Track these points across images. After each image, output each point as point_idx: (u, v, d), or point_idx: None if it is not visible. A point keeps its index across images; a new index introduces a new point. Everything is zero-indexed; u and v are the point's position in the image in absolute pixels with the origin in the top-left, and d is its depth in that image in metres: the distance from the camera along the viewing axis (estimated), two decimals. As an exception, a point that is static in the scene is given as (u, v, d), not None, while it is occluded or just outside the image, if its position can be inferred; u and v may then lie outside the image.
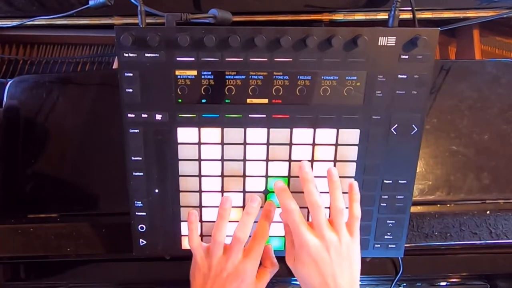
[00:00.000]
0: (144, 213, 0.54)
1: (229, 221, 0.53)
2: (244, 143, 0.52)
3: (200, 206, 0.54)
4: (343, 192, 0.51)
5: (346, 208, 0.51)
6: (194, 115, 0.51)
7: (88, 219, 0.59)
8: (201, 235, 0.56)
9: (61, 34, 0.71)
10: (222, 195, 0.54)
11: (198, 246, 0.53)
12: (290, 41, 0.47)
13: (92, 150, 0.59)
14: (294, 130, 0.51)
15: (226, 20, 0.52)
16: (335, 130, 0.52)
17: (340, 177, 0.53)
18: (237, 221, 0.53)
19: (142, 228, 0.55)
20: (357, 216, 0.50)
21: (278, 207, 0.53)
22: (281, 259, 0.55)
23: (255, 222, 0.52)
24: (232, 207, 0.54)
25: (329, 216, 0.51)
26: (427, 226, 0.59)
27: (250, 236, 0.52)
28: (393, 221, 0.55)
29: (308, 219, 0.54)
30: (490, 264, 0.63)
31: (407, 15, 0.59)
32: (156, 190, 0.53)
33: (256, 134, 0.52)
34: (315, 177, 0.53)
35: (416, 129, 0.51)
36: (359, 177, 0.53)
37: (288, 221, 0.51)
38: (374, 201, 0.54)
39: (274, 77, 0.49)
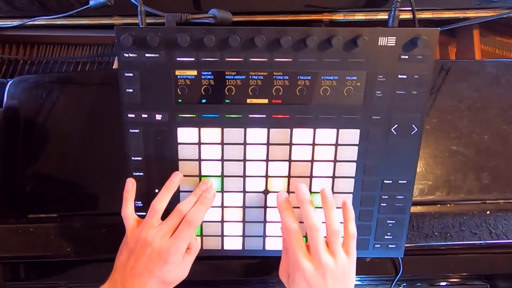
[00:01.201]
0: (144, 213, 0.54)
1: (230, 221, 0.53)
2: (244, 143, 0.52)
3: (200, 206, 0.54)
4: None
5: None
6: (194, 115, 0.51)
7: (88, 219, 0.59)
8: (201, 235, 0.56)
9: (61, 34, 0.71)
10: (222, 195, 0.54)
11: (131, 216, 0.50)
12: (290, 41, 0.47)
13: (92, 150, 0.59)
14: (294, 130, 0.51)
15: (226, 20, 0.52)
16: (335, 130, 0.51)
17: (340, 177, 0.53)
18: (238, 221, 0.54)
19: (142, 228, 0.55)
20: (353, 234, 0.49)
21: (218, 192, 0.53)
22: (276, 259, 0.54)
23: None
24: (232, 207, 0.54)
25: (326, 237, 0.49)
26: (427, 226, 0.59)
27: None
28: (393, 221, 0.55)
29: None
30: (490, 264, 0.62)
31: (407, 15, 0.59)
32: (156, 190, 0.53)
33: (256, 134, 0.52)
34: (314, 177, 0.53)
35: (416, 129, 0.51)
36: (359, 177, 0.53)
37: (287, 240, 0.50)
38: (374, 201, 0.54)
39: (274, 77, 0.49)
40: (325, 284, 0.47)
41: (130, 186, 0.51)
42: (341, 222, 0.50)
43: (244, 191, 0.54)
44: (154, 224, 0.49)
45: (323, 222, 0.49)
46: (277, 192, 0.53)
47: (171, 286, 0.50)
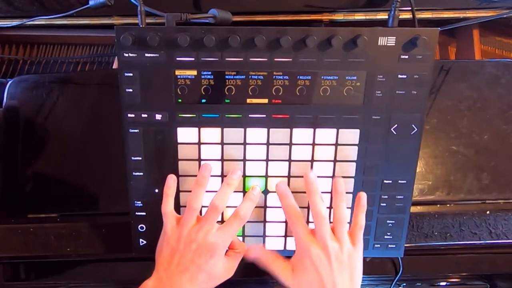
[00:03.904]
0: (144, 213, 0.54)
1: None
2: (244, 143, 0.52)
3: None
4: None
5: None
6: (194, 115, 0.51)
7: (88, 219, 0.59)
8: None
9: (61, 34, 0.71)
10: (222, 195, 0.54)
11: (171, 213, 0.50)
12: (290, 41, 0.47)
13: (92, 150, 0.59)
14: (294, 130, 0.51)
15: (226, 20, 0.52)
16: (335, 130, 0.52)
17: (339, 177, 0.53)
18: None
19: (142, 228, 0.55)
20: (361, 225, 0.51)
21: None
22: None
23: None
24: (232, 207, 0.54)
25: (331, 225, 0.51)
26: (427, 226, 0.59)
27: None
28: (393, 221, 0.55)
29: (308, 219, 0.54)
30: (490, 264, 0.62)
31: (407, 15, 0.59)
32: (156, 190, 0.53)
33: (256, 134, 0.52)
34: (315, 177, 0.53)
35: (416, 129, 0.51)
36: (359, 177, 0.53)
37: (290, 226, 0.51)
38: (374, 201, 0.54)
39: (274, 77, 0.49)
40: (331, 267, 0.48)
41: (172, 182, 0.51)
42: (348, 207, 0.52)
43: (244, 191, 0.54)
44: (193, 222, 0.49)
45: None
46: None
47: (218, 282, 0.50)
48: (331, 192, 0.53)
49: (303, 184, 0.53)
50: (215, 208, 0.49)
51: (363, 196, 0.52)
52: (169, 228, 0.50)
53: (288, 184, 0.54)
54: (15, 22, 0.63)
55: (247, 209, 0.51)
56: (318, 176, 0.52)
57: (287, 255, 0.53)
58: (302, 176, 0.53)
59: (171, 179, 0.51)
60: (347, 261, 0.49)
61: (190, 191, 0.52)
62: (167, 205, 0.50)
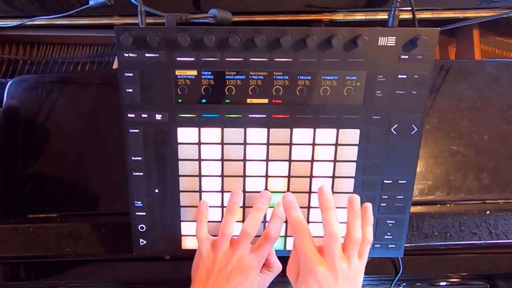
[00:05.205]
0: (144, 213, 0.54)
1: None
2: (244, 143, 0.52)
3: (200, 206, 0.54)
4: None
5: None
6: (194, 115, 0.51)
7: (88, 219, 0.59)
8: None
9: (61, 34, 0.71)
10: (222, 195, 0.54)
11: (206, 238, 0.52)
12: (290, 41, 0.47)
13: (92, 150, 0.59)
14: (294, 130, 0.51)
15: (226, 20, 0.52)
16: (335, 130, 0.51)
17: (340, 177, 0.53)
18: (240, 221, 0.54)
19: (142, 228, 0.55)
20: (369, 240, 0.49)
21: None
22: (280, 259, 0.55)
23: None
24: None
25: (343, 242, 0.49)
26: (427, 226, 0.59)
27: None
28: (393, 221, 0.55)
29: (308, 218, 0.54)
30: (490, 264, 0.62)
31: (407, 15, 0.59)
32: (156, 190, 0.53)
33: (256, 134, 0.52)
34: (314, 177, 0.53)
35: (416, 129, 0.51)
36: (359, 177, 0.53)
37: (296, 240, 0.49)
38: (374, 201, 0.54)
39: (274, 77, 0.49)
40: (336, 286, 0.47)
41: (204, 209, 0.53)
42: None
43: (244, 191, 0.54)
44: (226, 246, 0.51)
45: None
46: (276, 192, 0.53)
47: None
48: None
49: (304, 184, 0.53)
50: (247, 234, 0.50)
51: (369, 207, 0.50)
52: (205, 250, 0.51)
53: (288, 184, 0.54)
54: (15, 22, 0.63)
55: (276, 227, 0.52)
56: (318, 176, 0.53)
57: (287, 255, 0.53)
58: (302, 176, 0.53)
59: (203, 205, 0.53)
60: (352, 277, 0.48)
61: (191, 192, 0.52)
62: (202, 231, 0.52)
